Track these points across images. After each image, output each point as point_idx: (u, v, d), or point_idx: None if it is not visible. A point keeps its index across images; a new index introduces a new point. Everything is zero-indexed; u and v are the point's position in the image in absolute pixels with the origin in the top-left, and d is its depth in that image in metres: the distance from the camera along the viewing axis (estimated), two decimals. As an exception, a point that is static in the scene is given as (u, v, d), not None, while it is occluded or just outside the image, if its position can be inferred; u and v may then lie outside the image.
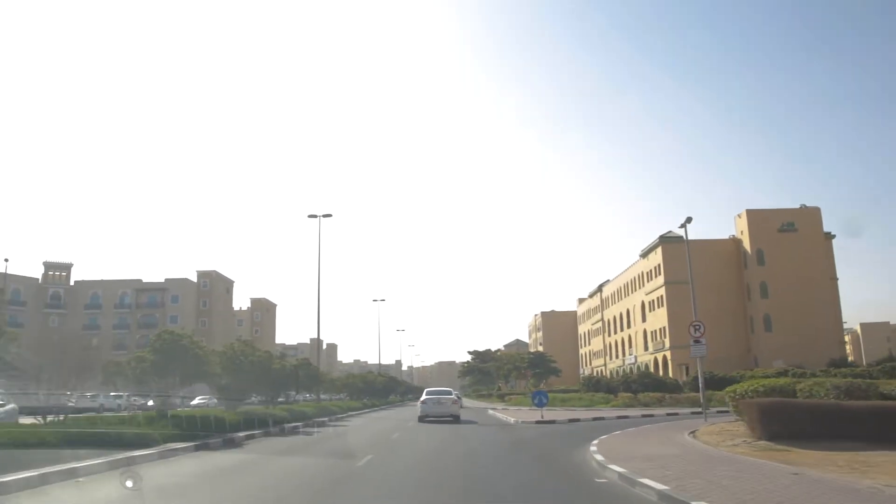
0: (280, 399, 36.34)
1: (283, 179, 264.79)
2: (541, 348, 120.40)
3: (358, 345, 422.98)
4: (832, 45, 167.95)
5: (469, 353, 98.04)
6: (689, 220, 42.43)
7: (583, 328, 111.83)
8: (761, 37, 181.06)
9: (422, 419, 30.45)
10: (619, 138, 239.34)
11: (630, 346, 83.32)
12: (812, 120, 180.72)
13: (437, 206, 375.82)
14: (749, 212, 70.12)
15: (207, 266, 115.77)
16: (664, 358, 70.47)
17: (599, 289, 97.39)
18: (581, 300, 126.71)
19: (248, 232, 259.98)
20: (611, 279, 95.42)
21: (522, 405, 53.71)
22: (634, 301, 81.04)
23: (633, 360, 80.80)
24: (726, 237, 73.49)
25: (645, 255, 76.64)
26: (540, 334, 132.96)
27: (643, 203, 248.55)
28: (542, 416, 28.67)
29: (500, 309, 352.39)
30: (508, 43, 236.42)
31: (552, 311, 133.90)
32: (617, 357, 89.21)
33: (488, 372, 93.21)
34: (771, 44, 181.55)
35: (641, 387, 50.17)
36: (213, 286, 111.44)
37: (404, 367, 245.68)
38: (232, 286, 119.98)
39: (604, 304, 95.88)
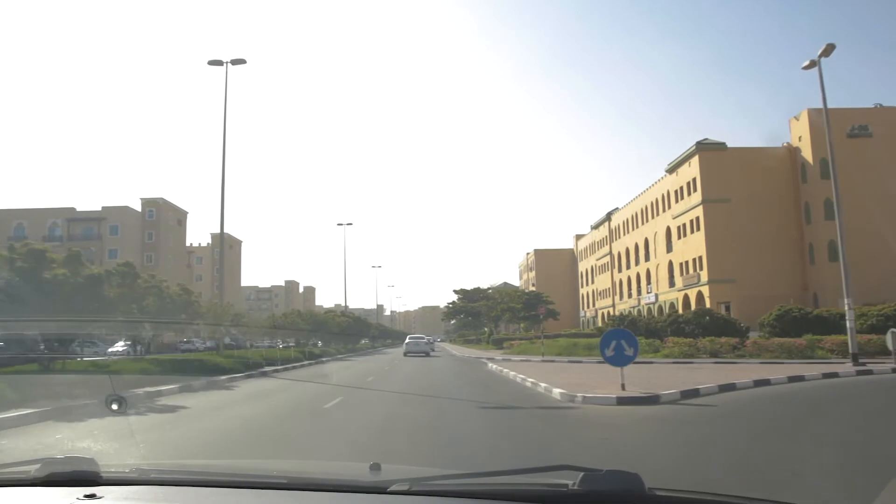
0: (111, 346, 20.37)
1: (252, 101, 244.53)
2: (533, 289, 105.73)
3: (341, 291, 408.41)
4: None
5: (455, 291, 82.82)
6: (830, 47, 26.42)
7: (584, 265, 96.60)
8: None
9: (406, 354, 42.51)
10: (619, 67, 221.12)
11: (649, 283, 68.13)
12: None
13: (422, 142, 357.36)
14: (811, 112, 53.91)
15: (155, 193, 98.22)
16: (699, 294, 55.30)
17: (607, 217, 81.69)
18: (579, 236, 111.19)
19: (209, 160, 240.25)
20: (620, 207, 79.77)
21: (530, 354, 38.41)
22: (656, 228, 65.46)
23: (652, 299, 65.75)
24: (779, 145, 57.64)
25: (673, 169, 60.68)
26: (532, 274, 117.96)
27: (648, 129, 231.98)
28: (624, 387, 12.93)
29: (488, 250, 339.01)
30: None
31: (546, 249, 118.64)
32: (630, 296, 74.15)
33: (477, 314, 78.21)
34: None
35: (699, 329, 35.01)
36: (161, 216, 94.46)
37: (387, 312, 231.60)
38: (185, 217, 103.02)
39: (612, 236, 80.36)
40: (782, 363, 25.14)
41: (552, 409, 11.99)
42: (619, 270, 77.48)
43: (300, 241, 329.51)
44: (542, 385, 15.76)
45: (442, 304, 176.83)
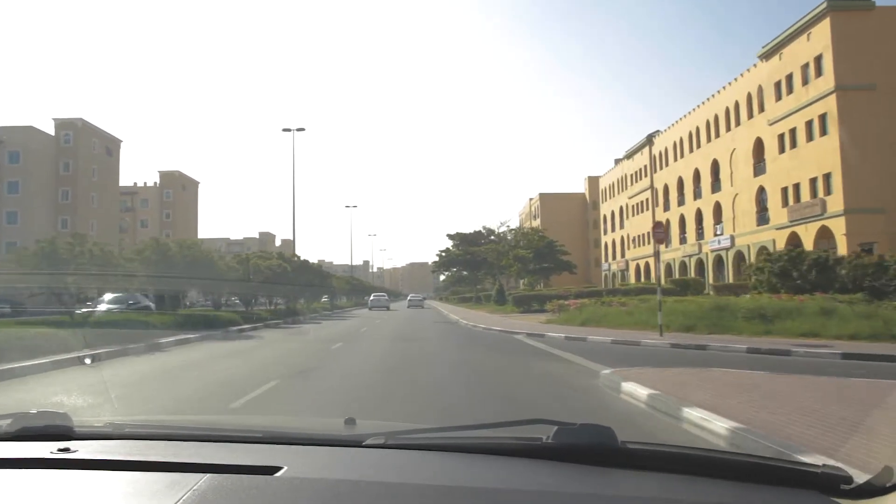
0: None
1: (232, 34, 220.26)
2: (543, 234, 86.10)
3: (325, 246, 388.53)
4: None
5: (449, 236, 62.98)
6: None
7: (607, 208, 76.88)
8: None
9: (370, 308, 50.87)
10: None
11: (718, 221, 48.66)
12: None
13: (413, 83, 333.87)
14: None
15: (73, 114, 76.63)
16: (821, 232, 35.87)
17: (648, 141, 61.63)
18: (593, 178, 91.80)
19: (154, 79, 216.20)
20: (663, 130, 59.90)
21: (614, 325, 18.53)
22: (735, 143, 45.71)
23: (725, 243, 46.46)
24: None
25: (774, 51, 40.55)
26: (537, 222, 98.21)
27: (654, 72, 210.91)
28: None
29: (482, 200, 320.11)
30: None
31: (554, 193, 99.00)
32: (682, 241, 54.80)
33: (479, 263, 58.73)
34: None
35: None
36: (82, 142, 73.01)
37: (374, 269, 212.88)
38: (118, 147, 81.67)
39: (655, 165, 60.56)
40: None
41: None
42: (666, 209, 57.86)
43: (283, 195, 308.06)
44: None
45: (431, 260, 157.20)
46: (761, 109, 42.21)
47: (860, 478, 1.24)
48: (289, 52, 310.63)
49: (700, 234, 51.30)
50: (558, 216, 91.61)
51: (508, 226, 53.00)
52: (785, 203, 39.49)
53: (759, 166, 42.88)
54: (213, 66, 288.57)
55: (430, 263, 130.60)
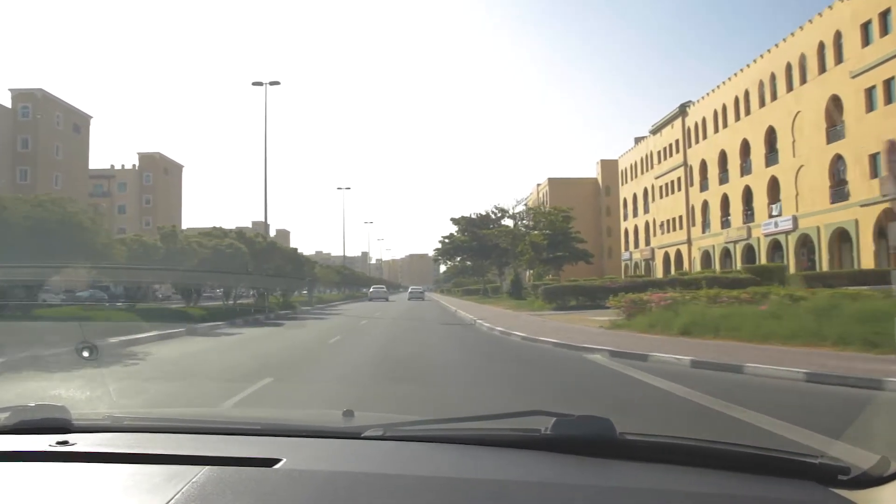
0: None
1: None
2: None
3: (325, 238, 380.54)
4: None
5: (453, 221, 54.96)
6: None
7: (630, 190, 68.62)
8: None
9: (370, 299, 52.52)
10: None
11: (774, 201, 40.59)
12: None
13: (410, 79, 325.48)
14: None
15: (32, 84, 68.25)
16: (933, 207, 27.89)
17: (681, 111, 53.43)
18: (606, 161, 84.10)
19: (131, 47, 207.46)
20: (695, 101, 51.84)
21: (768, 338, 10.75)
22: (800, 105, 37.62)
23: (785, 225, 38.42)
24: None
25: (859, -13, 32.38)
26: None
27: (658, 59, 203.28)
28: None
29: (482, 193, 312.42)
30: None
31: (564, 178, 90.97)
32: (725, 224, 46.71)
33: (486, 251, 50.87)
34: None
35: None
36: (43, 115, 64.95)
37: (373, 261, 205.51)
38: (87, 123, 73.40)
39: (688, 139, 52.50)
40: None
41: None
42: (704, 189, 49.75)
43: (280, 185, 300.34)
44: None
45: (431, 251, 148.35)
46: (838, 60, 34.15)
47: (858, 469, 1.23)
48: (289, 36, 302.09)
49: (749, 215, 43.28)
50: (568, 203, 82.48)
51: (526, 204, 45.18)
52: (874, 174, 31.48)
53: (833, 131, 34.86)
54: (206, 46, 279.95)
55: (430, 254, 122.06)
